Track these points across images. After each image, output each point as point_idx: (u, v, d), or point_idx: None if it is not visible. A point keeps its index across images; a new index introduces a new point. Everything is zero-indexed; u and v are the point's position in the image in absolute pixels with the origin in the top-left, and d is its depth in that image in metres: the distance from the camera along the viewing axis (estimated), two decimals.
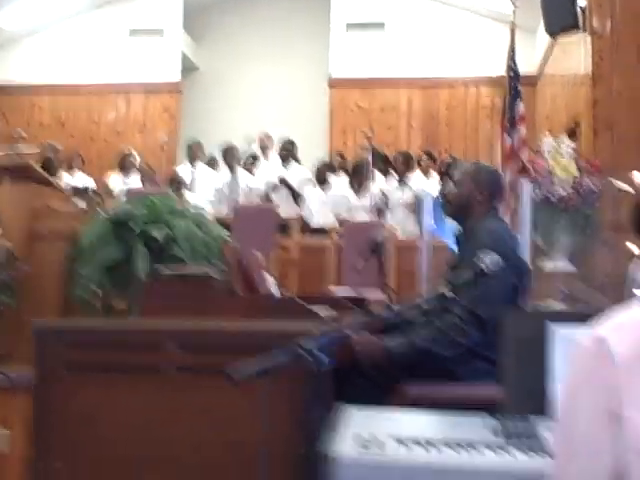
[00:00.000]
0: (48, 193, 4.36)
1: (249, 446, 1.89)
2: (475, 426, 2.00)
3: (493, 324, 2.65)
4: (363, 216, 7.26)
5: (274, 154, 8.30)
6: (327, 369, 2.07)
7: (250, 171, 8.09)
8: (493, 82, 9.43)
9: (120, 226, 3.90)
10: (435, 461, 1.82)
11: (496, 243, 2.81)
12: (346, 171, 8.00)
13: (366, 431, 1.90)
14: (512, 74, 5.96)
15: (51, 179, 4.57)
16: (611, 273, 5.68)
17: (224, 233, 4.18)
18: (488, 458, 1.83)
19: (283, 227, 6.41)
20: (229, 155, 7.89)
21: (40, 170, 4.39)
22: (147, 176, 8.39)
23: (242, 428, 1.93)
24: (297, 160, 8.10)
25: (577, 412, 1.37)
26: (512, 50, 6.09)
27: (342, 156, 8.71)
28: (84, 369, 2.03)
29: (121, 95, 10.45)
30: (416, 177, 7.86)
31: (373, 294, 5.71)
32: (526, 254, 4.99)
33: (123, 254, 3.81)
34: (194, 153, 8.27)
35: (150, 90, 10.45)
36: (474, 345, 2.78)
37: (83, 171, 9.14)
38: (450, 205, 3.20)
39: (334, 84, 10.01)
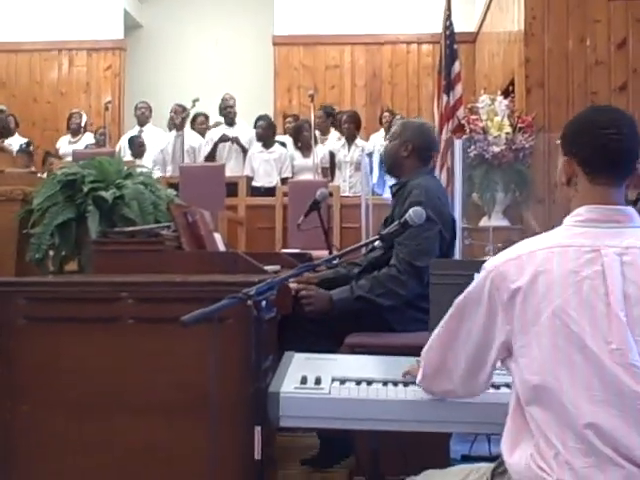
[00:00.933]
0: None
1: (199, 387, 2.09)
2: (405, 366, 2.22)
3: (427, 274, 2.88)
4: (308, 176, 7.43)
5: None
6: (269, 315, 2.28)
7: (200, 132, 8.15)
8: (435, 40, 9.61)
9: (69, 187, 3.99)
10: (365, 395, 2.05)
11: (427, 198, 3.00)
12: (291, 130, 8.13)
13: (307, 371, 2.12)
14: (448, 33, 6.14)
15: None
16: (545, 228, 6.00)
17: (172, 193, 4.31)
18: (412, 392, 2.06)
19: (229, 187, 6.54)
20: (174, 114, 7.94)
21: None
22: (102, 137, 8.40)
23: (192, 371, 2.13)
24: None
25: (463, 329, 1.64)
26: (448, 9, 6.27)
27: (286, 116, 8.81)
28: (44, 320, 2.20)
29: (63, 53, 10.34)
30: (377, 136, 8.05)
31: (317, 252, 5.94)
32: (459, 210, 5.25)
33: (73, 215, 3.91)
34: (143, 114, 8.30)
35: (93, 48, 10.36)
36: (413, 296, 2.99)
37: (19, 133, 9.06)
38: (384, 162, 3.41)
39: (278, 42, 10.07)
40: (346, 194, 7.18)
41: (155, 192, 4.19)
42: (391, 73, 9.97)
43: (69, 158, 8.00)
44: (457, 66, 6.08)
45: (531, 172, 6.09)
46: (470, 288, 1.70)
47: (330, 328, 3.06)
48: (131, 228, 3.25)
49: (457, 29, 9.42)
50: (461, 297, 1.73)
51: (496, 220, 6.06)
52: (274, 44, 10.10)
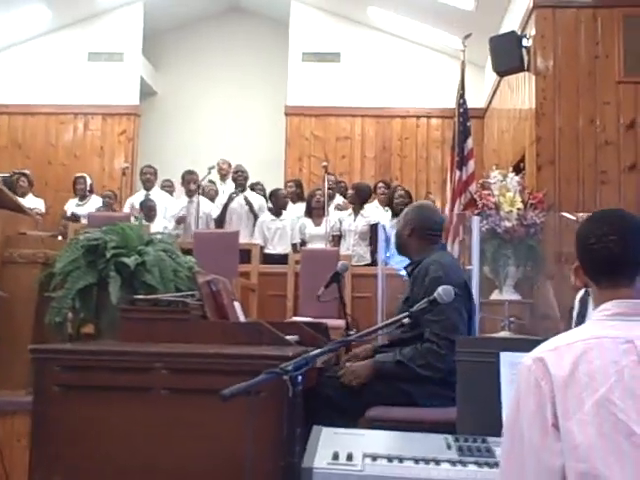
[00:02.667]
0: (18, 219, 4.49)
1: (232, 458, 2.10)
2: (434, 443, 2.23)
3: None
4: (319, 244, 7.50)
5: (230, 181, 8.50)
6: (300, 390, 2.31)
7: (210, 198, 8.27)
8: (444, 115, 9.84)
9: (92, 252, 4.05)
10: (398, 472, 2.06)
11: (445, 274, 3.09)
12: (302, 199, 8.23)
13: (337, 446, 2.13)
14: (462, 110, 6.29)
15: (22, 205, 4.70)
16: (554, 302, 6.05)
17: (191, 260, 4.36)
18: (445, 470, 2.07)
19: (241, 253, 6.59)
20: (188, 181, 8.06)
21: (12, 195, 4.52)
22: (109, 200, 8.51)
23: (225, 442, 2.14)
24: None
25: (521, 423, 1.63)
26: (462, 88, 6.43)
27: (298, 184, 8.91)
28: (79, 389, 2.22)
29: (79, 118, 10.55)
30: (371, 206, 8.17)
31: (331, 321, 5.97)
32: (476, 284, 5.30)
33: (95, 279, 3.96)
34: (149, 179, 8.43)
35: (108, 113, 10.57)
36: (450, 370, 3.02)
37: (33, 193, 9.18)
38: (396, 245, 3.52)
39: (290, 112, 10.28)
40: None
41: (175, 259, 4.25)
42: (400, 145, 10.14)
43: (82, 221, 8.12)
44: (470, 142, 6.21)
45: (542, 248, 6.14)
46: (515, 392, 1.71)
47: (350, 400, 3.08)
48: (156, 296, 3.29)
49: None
50: (510, 407, 1.72)
51: (507, 294, 6.08)
52: (286, 114, 10.31)
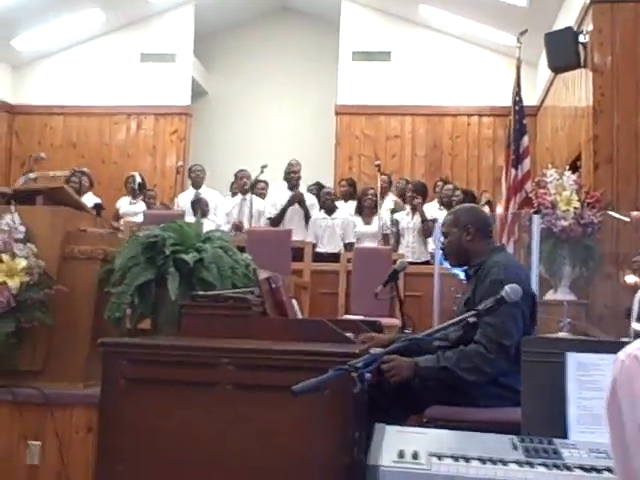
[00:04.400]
0: (78, 216, 4.56)
1: (296, 454, 2.10)
2: (500, 444, 2.20)
3: (514, 352, 2.88)
4: (369, 242, 7.48)
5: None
6: (366, 387, 2.29)
7: (260, 196, 8.30)
8: (495, 113, 9.74)
9: (151, 249, 4.10)
10: (465, 472, 2.04)
11: (506, 276, 3.02)
12: (353, 197, 8.22)
13: (403, 444, 2.12)
14: (517, 108, 6.21)
15: (81, 202, 4.78)
16: (611, 304, 5.92)
17: (248, 258, 4.38)
18: (513, 471, 2.04)
19: (294, 251, 6.60)
20: (241, 178, 8.11)
21: (73, 193, 4.60)
22: (150, 200, 8.59)
23: (290, 438, 2.14)
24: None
25: (622, 420, 1.59)
26: (518, 85, 6.35)
27: (351, 183, 8.86)
28: (144, 382, 2.24)
29: (132, 118, 10.70)
30: (430, 205, 8.14)
31: (384, 319, 5.95)
32: (536, 284, 5.22)
33: (153, 276, 4.00)
34: (198, 177, 8.50)
35: (160, 113, 10.70)
36: (497, 374, 2.97)
37: (93, 192, 9.36)
38: (450, 257, 3.42)
39: (341, 111, 10.28)
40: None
41: (232, 256, 4.28)
42: (451, 144, 10.06)
43: (130, 218, 8.22)
44: (526, 140, 6.13)
45: (599, 247, 6.03)
46: (609, 394, 1.66)
47: (410, 399, 3.06)
48: (216, 292, 3.30)
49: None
50: (606, 408, 1.67)
51: (563, 294, 5.99)
52: (337, 113, 10.31)
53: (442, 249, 3.44)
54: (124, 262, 4.10)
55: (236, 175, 8.27)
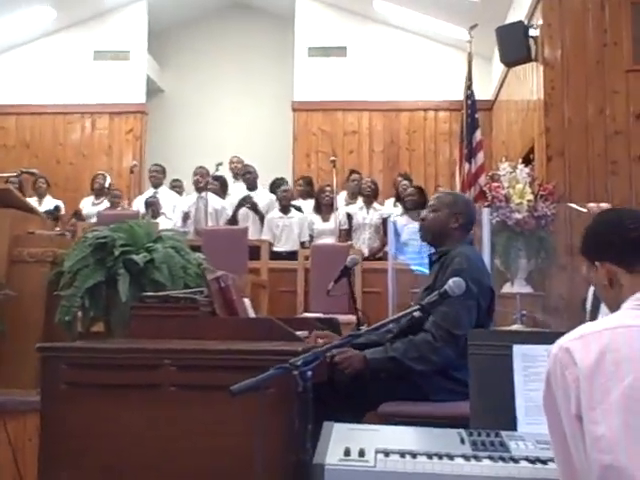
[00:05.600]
0: (27, 218, 4.48)
1: (241, 455, 2.08)
2: (447, 438, 2.21)
3: (462, 343, 2.89)
4: (327, 239, 7.47)
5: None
6: (310, 385, 2.28)
7: (217, 194, 8.25)
8: (451, 107, 9.79)
9: (100, 250, 4.04)
10: (411, 468, 2.03)
11: (469, 267, 3.06)
12: (311, 195, 8.21)
13: (349, 442, 2.11)
14: (469, 102, 6.25)
15: (30, 204, 4.69)
16: (567, 295, 5.99)
17: (200, 257, 4.34)
18: (459, 465, 2.04)
19: (250, 250, 6.56)
20: (198, 175, 8.04)
21: (20, 195, 4.51)
22: (115, 199, 8.50)
23: (234, 439, 2.12)
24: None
25: (557, 411, 1.60)
26: (469, 79, 6.39)
27: (309, 182, 8.85)
28: (85, 386, 2.20)
29: (86, 117, 10.55)
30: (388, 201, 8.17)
31: (342, 316, 5.93)
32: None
33: (104, 277, 3.95)
34: (156, 178, 8.42)
35: (115, 112, 10.56)
36: (449, 366, 2.98)
37: (51, 195, 9.23)
38: (427, 231, 3.42)
39: (297, 107, 10.25)
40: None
41: (184, 256, 4.24)
42: (408, 139, 10.10)
43: (92, 219, 8.11)
44: (478, 134, 6.18)
45: (553, 239, 6.09)
46: (544, 385, 1.69)
47: (362, 396, 3.05)
48: (165, 293, 3.27)
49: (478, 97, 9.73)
50: (542, 399, 1.71)
51: (519, 287, 6.03)
52: (294, 110, 10.28)
53: (422, 220, 3.43)
54: (73, 264, 4.04)
55: (195, 172, 8.20)
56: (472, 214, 3.40)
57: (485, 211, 5.38)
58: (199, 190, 7.91)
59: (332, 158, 8.09)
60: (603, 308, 4.94)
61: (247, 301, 3.88)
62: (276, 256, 7.39)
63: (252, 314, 3.86)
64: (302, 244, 7.52)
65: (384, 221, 7.54)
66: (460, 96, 9.93)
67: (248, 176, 7.98)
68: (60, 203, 9.07)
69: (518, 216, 5.98)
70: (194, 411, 2.17)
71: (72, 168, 10.35)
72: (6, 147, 10.57)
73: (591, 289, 5.01)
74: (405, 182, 8.20)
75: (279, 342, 2.66)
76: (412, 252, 6.61)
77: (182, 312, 2.93)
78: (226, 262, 6.20)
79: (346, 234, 7.57)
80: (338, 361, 2.94)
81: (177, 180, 8.90)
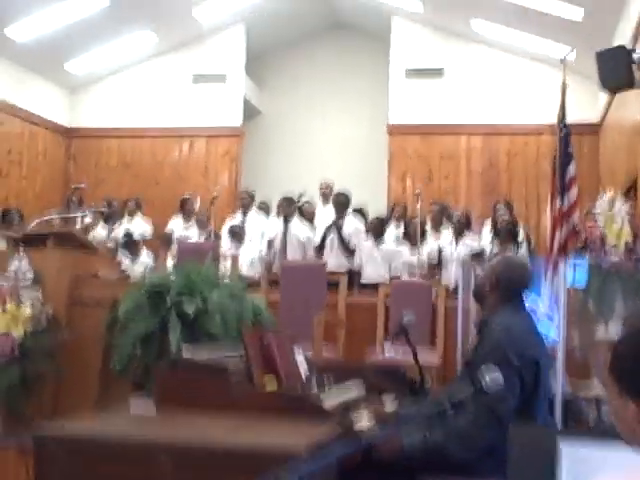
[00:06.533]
0: (92, 258, 4.47)
1: None
2: None
3: (506, 423, 2.60)
4: (416, 271, 7.19)
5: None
6: None
7: (306, 218, 8.05)
8: (554, 130, 9.26)
9: (155, 296, 3.96)
10: None
11: (508, 339, 2.81)
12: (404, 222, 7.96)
13: None
14: (562, 134, 5.81)
15: (95, 245, 4.68)
16: None
17: (260, 304, 4.19)
18: None
19: (331, 283, 6.36)
20: (284, 206, 7.93)
21: (84, 237, 4.51)
22: (202, 224, 8.52)
23: None
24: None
25: None
26: (563, 108, 5.94)
27: (404, 207, 8.59)
28: (81, 477, 2.07)
29: (184, 139, 10.67)
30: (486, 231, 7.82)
31: (422, 354, 5.65)
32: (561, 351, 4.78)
33: (157, 326, 3.86)
34: (245, 204, 8.38)
35: (212, 134, 10.64)
36: (490, 446, 2.71)
37: (142, 216, 9.38)
38: (476, 297, 3.19)
39: (393, 131, 10.00)
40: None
41: (242, 304, 4.09)
42: (508, 162, 9.65)
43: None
44: (572, 168, 5.72)
45: None
46: None
47: (400, 470, 2.80)
48: (197, 359, 3.09)
49: (579, 118, 9.17)
50: None
51: (615, 331, 5.58)
52: (389, 133, 10.04)
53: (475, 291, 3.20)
54: (128, 310, 3.98)
55: (278, 204, 8.09)
56: (512, 276, 3.04)
57: (561, 266, 4.99)
58: (285, 219, 7.78)
59: (417, 191, 7.80)
60: None
61: (302, 359, 3.69)
62: (360, 285, 7.24)
63: (304, 370, 3.66)
64: (391, 275, 7.28)
65: (476, 257, 7.18)
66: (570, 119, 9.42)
67: (339, 200, 7.79)
68: (147, 226, 9.17)
69: (614, 259, 5.54)
70: None
71: (169, 189, 10.48)
72: (108, 167, 10.84)
73: None
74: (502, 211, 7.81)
75: (308, 424, 2.44)
76: None
77: (211, 380, 2.77)
78: (305, 298, 6.07)
79: (433, 268, 7.25)
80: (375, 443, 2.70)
81: (264, 203, 8.83)
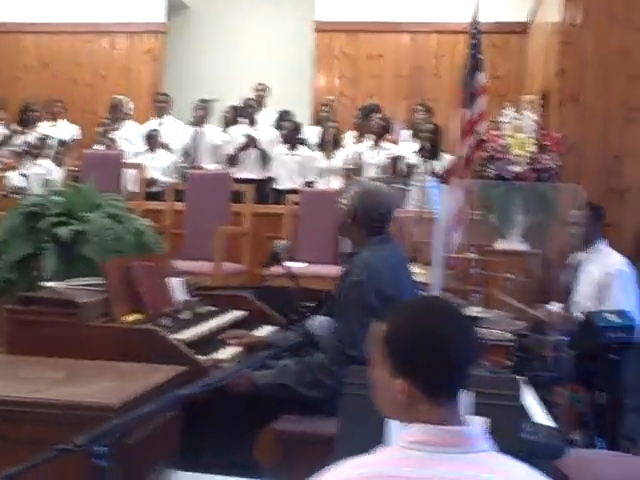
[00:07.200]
0: None
1: None
2: None
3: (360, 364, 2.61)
4: (333, 180, 7.12)
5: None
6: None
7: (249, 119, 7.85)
8: (488, 29, 9.05)
9: (32, 219, 3.83)
10: None
11: (371, 279, 2.77)
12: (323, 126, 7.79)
13: None
14: (473, 40, 5.69)
15: None
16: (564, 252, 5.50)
17: (143, 224, 4.08)
18: None
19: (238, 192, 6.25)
20: (199, 108, 7.70)
21: None
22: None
23: None
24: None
25: None
26: (476, 13, 5.79)
27: (321, 104, 8.42)
28: None
29: (104, 36, 10.19)
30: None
31: (327, 267, 5.64)
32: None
33: (32, 250, 3.75)
34: (163, 105, 8.10)
35: (134, 31, 10.18)
36: (342, 387, 2.72)
37: (67, 119, 9.05)
38: (339, 232, 3.13)
39: (319, 28, 9.68)
40: None
41: (125, 224, 3.98)
42: (435, 64, 9.46)
43: None
44: (482, 77, 5.63)
45: (557, 194, 5.63)
46: None
47: (254, 409, 2.82)
48: (45, 294, 3.00)
49: (512, 15, 8.96)
50: None
51: (514, 243, 5.66)
52: (316, 31, 9.71)
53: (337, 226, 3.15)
54: (4, 232, 3.85)
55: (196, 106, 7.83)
56: (374, 208, 2.97)
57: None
58: (197, 124, 7.58)
59: (331, 97, 7.62)
60: (580, 288, 4.54)
61: (176, 281, 3.65)
62: (278, 195, 7.16)
63: (181, 295, 3.63)
64: (308, 184, 7.20)
65: (393, 161, 7.12)
66: (499, 17, 9.20)
67: (250, 110, 7.59)
68: (75, 129, 8.88)
69: (516, 169, 5.55)
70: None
71: (90, 90, 10.10)
72: (26, 67, 10.36)
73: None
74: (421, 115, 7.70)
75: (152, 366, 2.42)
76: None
77: (60, 318, 2.71)
78: (209, 209, 5.99)
79: (349, 175, 7.17)
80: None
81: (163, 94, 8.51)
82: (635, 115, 5.81)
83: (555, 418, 3.87)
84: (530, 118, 5.69)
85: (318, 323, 2.21)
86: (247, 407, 2.78)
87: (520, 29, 9.07)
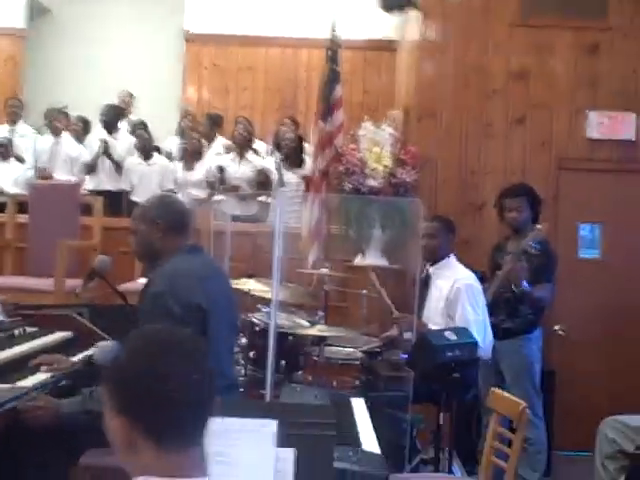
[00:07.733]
0: None
1: None
2: None
3: None
4: (193, 192, 6.89)
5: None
6: None
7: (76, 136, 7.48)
8: (355, 46, 9.09)
9: None
10: None
11: (174, 288, 2.65)
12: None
13: None
14: (330, 53, 5.62)
15: None
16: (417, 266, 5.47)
17: None
18: None
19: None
20: (52, 118, 7.31)
21: None
22: None
23: None
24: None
25: None
26: (334, 26, 5.74)
27: (191, 117, 8.18)
28: None
29: None
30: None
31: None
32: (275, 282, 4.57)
33: None
34: (15, 111, 7.65)
35: None
36: None
37: None
38: (142, 258, 2.95)
39: (189, 39, 9.45)
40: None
41: None
42: (307, 77, 9.39)
43: None
44: (338, 90, 5.57)
45: (412, 208, 5.60)
46: None
47: (64, 441, 2.56)
48: None
49: (384, 34, 8.99)
50: None
51: (372, 259, 5.59)
52: (186, 40, 9.47)
53: (134, 251, 2.94)
54: None
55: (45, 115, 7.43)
56: (172, 212, 2.87)
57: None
58: (56, 134, 7.18)
59: (188, 108, 7.40)
60: (429, 304, 4.50)
61: None
62: (134, 206, 6.84)
63: None
64: None
65: (259, 173, 6.94)
66: (371, 34, 9.19)
67: (107, 119, 7.26)
68: None
69: (373, 183, 5.50)
70: None
71: None
72: None
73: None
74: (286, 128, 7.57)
75: None
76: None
77: None
78: (56, 222, 5.63)
79: (213, 187, 6.93)
80: (23, 409, 2.43)
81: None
82: (491, 130, 5.89)
83: (398, 439, 3.79)
84: (387, 131, 5.66)
85: (100, 349, 1.99)
86: (55, 440, 2.51)
87: (391, 46, 9.12)
